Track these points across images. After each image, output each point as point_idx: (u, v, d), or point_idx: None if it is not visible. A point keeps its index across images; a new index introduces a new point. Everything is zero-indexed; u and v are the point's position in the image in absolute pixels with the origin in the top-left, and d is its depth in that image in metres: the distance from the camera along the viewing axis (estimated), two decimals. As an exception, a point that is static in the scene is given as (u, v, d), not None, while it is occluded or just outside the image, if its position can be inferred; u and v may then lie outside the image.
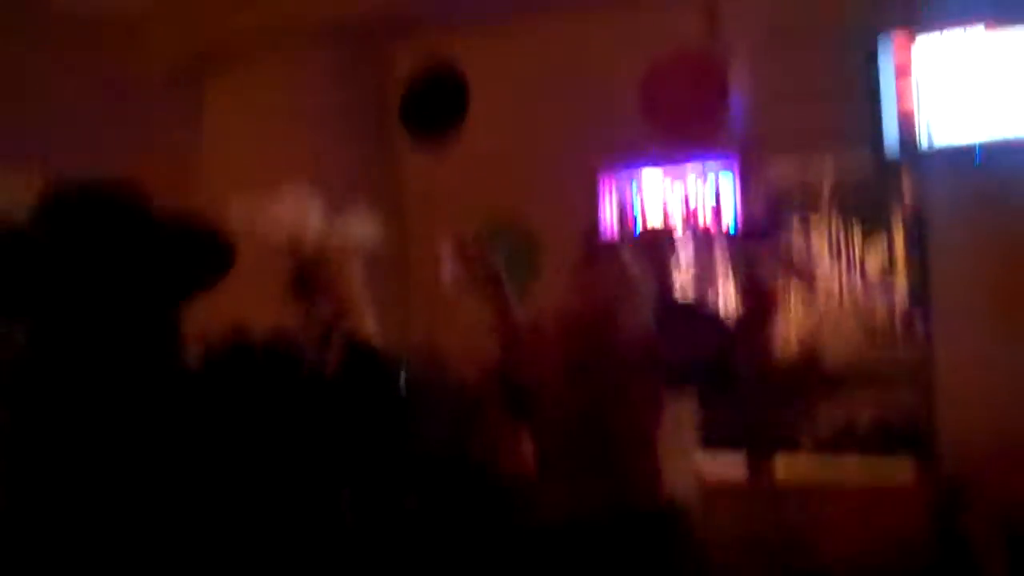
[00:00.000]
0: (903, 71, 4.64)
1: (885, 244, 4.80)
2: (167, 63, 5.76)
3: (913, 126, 4.61)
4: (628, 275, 2.88)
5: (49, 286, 1.54)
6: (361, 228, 2.22)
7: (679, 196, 5.43)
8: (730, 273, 5.12)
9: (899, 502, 4.43)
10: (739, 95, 4.96)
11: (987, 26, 4.41)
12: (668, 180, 5.44)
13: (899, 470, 4.68)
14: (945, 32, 4.52)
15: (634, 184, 5.50)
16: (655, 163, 5.39)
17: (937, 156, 4.62)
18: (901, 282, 4.76)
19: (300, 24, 5.55)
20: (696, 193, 5.39)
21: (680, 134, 5.09)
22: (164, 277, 1.58)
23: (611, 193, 5.57)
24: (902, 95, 4.63)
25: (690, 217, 5.41)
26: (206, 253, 1.67)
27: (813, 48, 4.81)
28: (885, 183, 4.81)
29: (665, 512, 2.81)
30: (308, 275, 2.17)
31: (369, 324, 1.97)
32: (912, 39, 4.61)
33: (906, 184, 4.79)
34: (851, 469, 4.78)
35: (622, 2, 5.24)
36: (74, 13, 5.35)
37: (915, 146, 4.61)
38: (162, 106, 5.69)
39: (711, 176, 5.32)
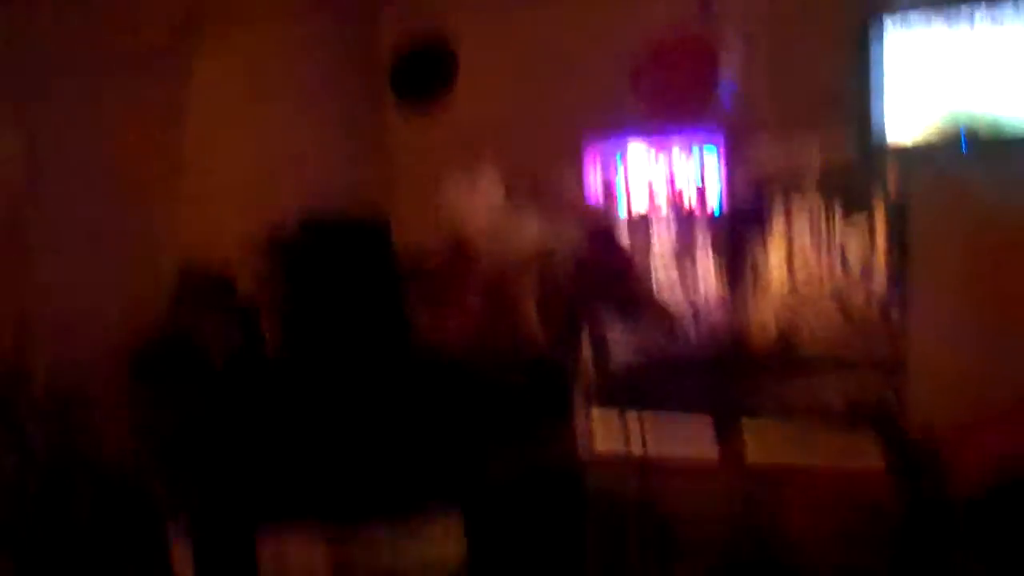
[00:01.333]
0: (893, 59, 4.68)
1: (866, 230, 4.84)
2: (156, 25, 5.69)
3: (900, 115, 4.67)
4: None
5: (304, 291, 1.96)
6: (538, 237, 2.30)
7: (664, 173, 5.46)
8: (711, 252, 5.16)
9: (869, 482, 4.51)
10: (729, 76, 5.00)
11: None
12: (653, 155, 5.45)
13: (870, 451, 4.71)
14: (935, 21, 4.57)
15: (619, 159, 5.53)
16: (640, 136, 5.38)
17: (922, 145, 4.67)
18: (880, 269, 4.80)
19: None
20: (681, 171, 5.42)
21: (669, 113, 5.12)
22: (394, 296, 2.01)
23: (596, 166, 5.59)
24: (891, 83, 4.68)
25: (674, 196, 5.45)
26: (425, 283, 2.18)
27: (804, 33, 4.83)
28: (870, 169, 4.84)
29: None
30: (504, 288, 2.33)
31: (540, 333, 2.15)
32: (903, 28, 4.65)
33: (890, 172, 4.82)
34: (822, 448, 4.82)
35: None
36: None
37: (901, 134, 4.67)
38: (150, 68, 5.62)
39: (696, 153, 5.35)
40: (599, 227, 3.28)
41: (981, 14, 4.49)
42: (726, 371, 5.06)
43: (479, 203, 2.29)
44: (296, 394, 1.92)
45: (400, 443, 1.89)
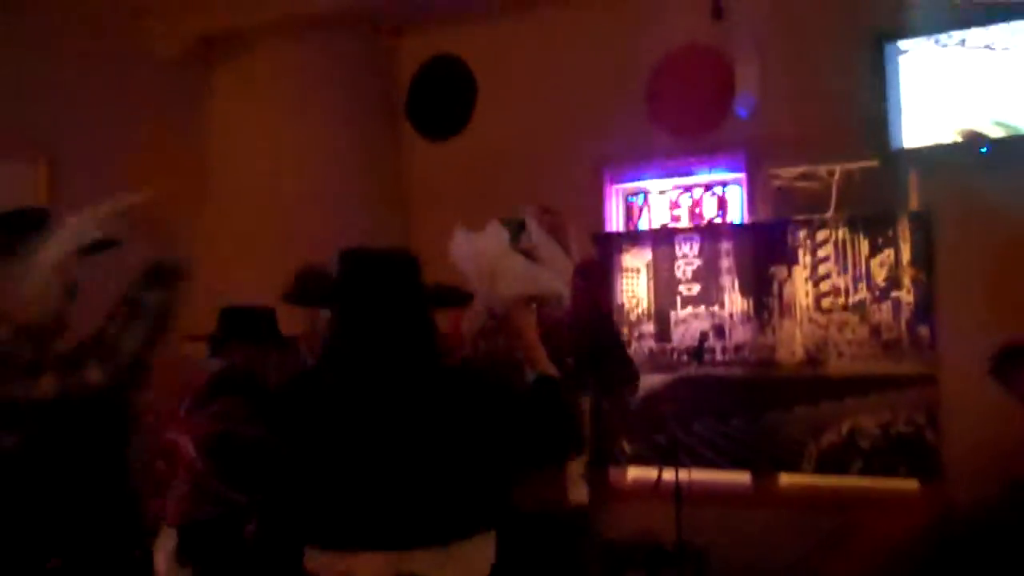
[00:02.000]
0: (909, 70, 4.65)
1: (892, 249, 4.76)
2: (174, 48, 5.73)
3: (919, 127, 4.62)
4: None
5: (347, 303, 2.16)
6: (550, 281, 2.37)
7: (686, 195, 5.45)
8: (735, 273, 5.09)
9: (904, 512, 4.42)
10: (745, 94, 4.96)
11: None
12: (674, 178, 5.43)
13: (904, 482, 4.65)
14: (948, 34, 4.56)
15: (640, 182, 5.51)
16: (661, 158, 5.36)
17: (943, 157, 4.62)
18: (907, 287, 4.72)
19: (308, 12, 5.52)
20: (703, 191, 5.40)
21: (687, 130, 5.09)
22: (423, 315, 2.17)
23: (618, 192, 5.59)
24: (908, 94, 4.65)
25: (696, 217, 5.42)
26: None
27: (820, 49, 4.83)
28: (891, 180, 4.77)
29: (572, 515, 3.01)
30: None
31: (545, 358, 2.31)
32: (915, 41, 4.64)
33: (912, 182, 4.77)
34: (856, 481, 4.74)
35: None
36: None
37: (921, 144, 4.63)
38: (169, 91, 5.64)
39: (718, 177, 5.33)
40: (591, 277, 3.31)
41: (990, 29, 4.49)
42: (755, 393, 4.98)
43: (486, 245, 2.34)
44: (344, 418, 2.05)
45: (441, 461, 2.01)
